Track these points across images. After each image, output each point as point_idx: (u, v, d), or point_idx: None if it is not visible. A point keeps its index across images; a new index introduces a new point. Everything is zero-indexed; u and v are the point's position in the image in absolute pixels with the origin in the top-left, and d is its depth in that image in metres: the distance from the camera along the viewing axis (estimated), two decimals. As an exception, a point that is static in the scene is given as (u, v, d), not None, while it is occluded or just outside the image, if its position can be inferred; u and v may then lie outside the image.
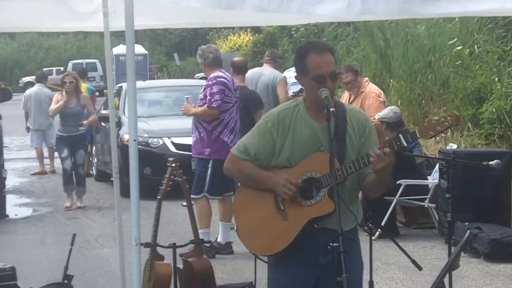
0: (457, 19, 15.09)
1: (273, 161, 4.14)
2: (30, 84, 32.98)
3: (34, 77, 22.31)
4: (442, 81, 15.35)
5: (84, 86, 16.76)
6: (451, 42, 15.12)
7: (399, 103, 15.17)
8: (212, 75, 8.87)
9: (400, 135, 3.90)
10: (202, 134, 8.86)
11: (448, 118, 3.94)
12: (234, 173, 4.26)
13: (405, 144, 3.89)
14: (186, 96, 9.30)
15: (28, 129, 16.74)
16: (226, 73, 9.08)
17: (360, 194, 4.31)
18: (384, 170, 3.94)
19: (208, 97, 8.76)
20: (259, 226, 4.13)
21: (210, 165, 8.78)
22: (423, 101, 15.74)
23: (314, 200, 4.03)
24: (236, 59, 11.54)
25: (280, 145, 4.12)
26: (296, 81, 11.02)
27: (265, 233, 4.11)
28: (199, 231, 8.00)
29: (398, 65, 16.71)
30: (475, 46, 14.53)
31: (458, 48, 14.72)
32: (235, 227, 4.35)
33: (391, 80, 16.72)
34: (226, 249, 8.89)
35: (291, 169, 4.09)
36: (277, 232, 4.07)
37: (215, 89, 8.73)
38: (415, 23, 16.53)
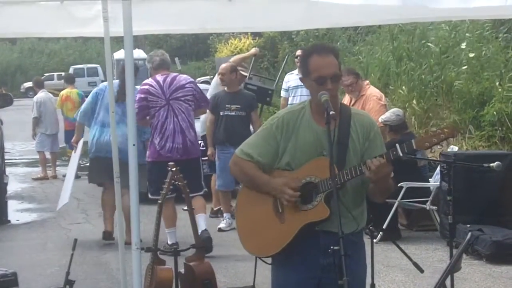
0: (467, 21, 15.06)
1: (276, 164, 4.15)
2: (31, 90, 32.98)
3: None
4: (447, 85, 15.31)
5: (74, 91, 17.03)
6: (457, 47, 15.10)
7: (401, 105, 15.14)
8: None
9: (397, 145, 3.92)
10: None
11: (445, 130, 3.97)
12: (237, 174, 4.29)
13: (401, 154, 3.91)
14: None
15: (35, 135, 16.77)
16: (162, 76, 9.02)
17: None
18: (378, 180, 3.95)
19: None
20: (256, 227, 4.16)
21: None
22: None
23: (311, 205, 4.03)
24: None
25: (283, 148, 4.13)
26: (297, 84, 11.00)
27: (261, 234, 4.14)
28: (166, 231, 8.62)
29: (403, 68, 16.68)
30: (482, 52, 14.50)
31: (467, 52, 14.68)
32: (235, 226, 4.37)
33: (395, 83, 16.69)
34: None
35: (292, 173, 4.09)
36: (272, 235, 4.09)
37: (136, 99, 8.69)
38: (425, 26, 16.53)
